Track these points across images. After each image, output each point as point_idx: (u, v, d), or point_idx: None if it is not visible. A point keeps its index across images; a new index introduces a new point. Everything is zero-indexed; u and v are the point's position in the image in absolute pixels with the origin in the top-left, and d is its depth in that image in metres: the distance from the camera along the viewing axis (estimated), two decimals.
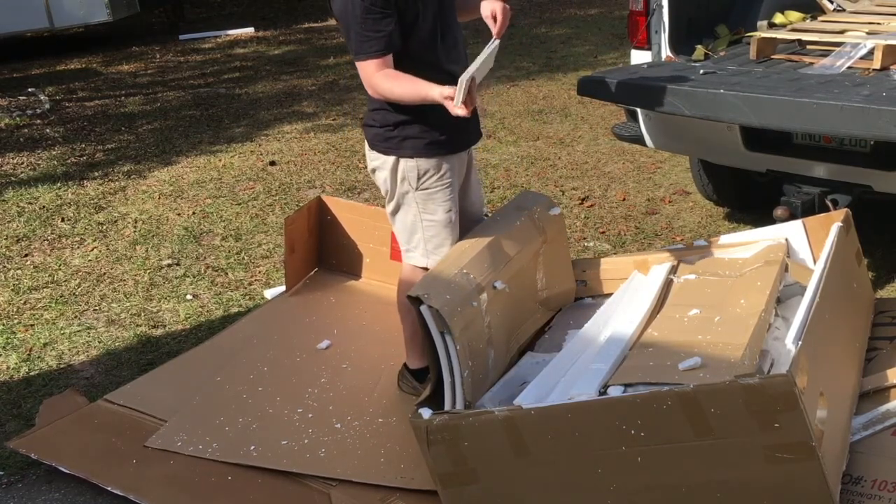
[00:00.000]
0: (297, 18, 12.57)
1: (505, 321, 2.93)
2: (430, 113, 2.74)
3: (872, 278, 3.72)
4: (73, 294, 4.32)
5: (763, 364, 2.46)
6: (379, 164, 2.92)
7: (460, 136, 2.90)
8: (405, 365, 3.17)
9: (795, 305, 2.74)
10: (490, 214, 3.35)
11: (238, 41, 11.21)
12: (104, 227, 5.15)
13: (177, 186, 5.80)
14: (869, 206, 3.75)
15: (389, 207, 2.99)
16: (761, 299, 2.71)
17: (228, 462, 2.85)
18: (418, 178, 2.85)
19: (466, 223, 3.11)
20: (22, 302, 4.27)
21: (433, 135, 2.82)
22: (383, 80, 2.71)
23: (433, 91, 2.63)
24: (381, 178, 2.94)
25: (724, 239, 3.33)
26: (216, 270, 4.49)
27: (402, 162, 2.85)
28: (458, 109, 2.55)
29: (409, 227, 2.96)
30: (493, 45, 2.72)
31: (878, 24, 3.92)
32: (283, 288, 4.00)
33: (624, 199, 5.06)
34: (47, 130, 7.38)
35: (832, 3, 4.36)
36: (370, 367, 3.34)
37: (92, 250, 4.83)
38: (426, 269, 2.95)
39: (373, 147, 2.93)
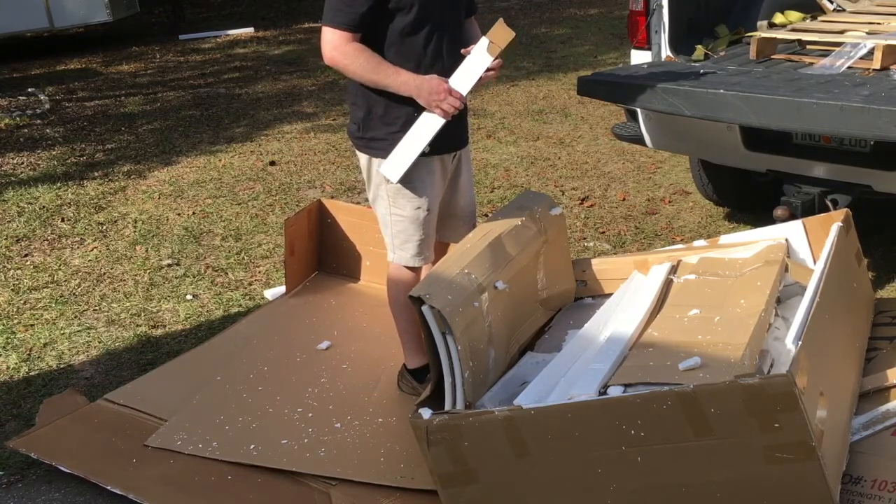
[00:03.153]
0: (297, 18, 12.58)
1: (506, 321, 2.93)
2: (395, 116, 2.81)
3: (872, 278, 3.72)
4: (73, 294, 4.32)
5: (763, 364, 2.46)
6: (359, 157, 3.01)
7: (434, 141, 2.86)
8: (404, 365, 3.18)
9: (795, 305, 2.74)
10: (490, 214, 3.35)
11: (238, 41, 11.22)
12: (104, 227, 5.15)
13: (177, 186, 5.80)
14: (869, 206, 3.75)
15: (370, 200, 3.06)
16: (761, 299, 2.71)
17: (228, 461, 2.85)
18: None
19: (455, 224, 3.15)
20: (22, 302, 4.27)
21: (398, 138, 2.82)
22: (345, 55, 2.73)
23: (410, 78, 2.73)
24: (363, 171, 3.03)
25: (724, 239, 3.33)
26: (216, 270, 4.49)
27: (374, 159, 2.92)
28: (446, 104, 2.70)
29: (382, 221, 3.03)
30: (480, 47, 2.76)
31: (878, 24, 3.92)
32: (283, 288, 4.00)
33: (624, 199, 5.07)
34: (47, 130, 7.38)
35: (832, 3, 4.36)
36: (370, 367, 3.35)
37: (92, 250, 4.83)
38: (408, 266, 3.03)
39: (352, 142, 3.01)
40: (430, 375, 2.74)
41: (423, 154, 2.82)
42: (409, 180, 2.87)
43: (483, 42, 2.74)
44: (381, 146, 2.86)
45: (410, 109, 2.79)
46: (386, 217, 2.99)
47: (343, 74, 2.87)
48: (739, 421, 2.11)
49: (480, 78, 2.76)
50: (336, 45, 2.74)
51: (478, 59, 2.74)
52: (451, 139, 2.94)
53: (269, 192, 5.57)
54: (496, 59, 2.75)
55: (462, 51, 2.79)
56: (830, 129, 3.17)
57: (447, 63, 2.81)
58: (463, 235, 3.05)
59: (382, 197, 2.96)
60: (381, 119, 2.85)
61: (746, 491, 2.18)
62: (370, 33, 2.75)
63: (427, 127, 2.77)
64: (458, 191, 3.12)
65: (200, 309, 4.08)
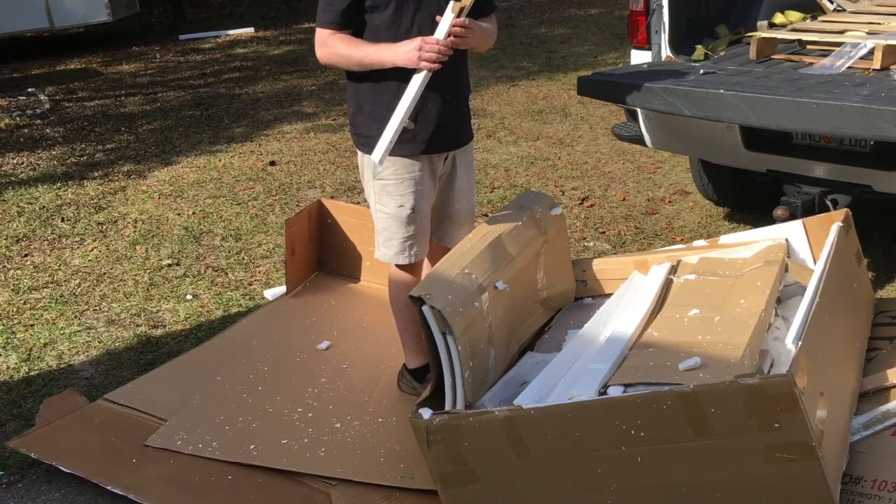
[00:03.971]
0: (297, 18, 12.57)
1: (506, 321, 2.93)
2: (380, 112, 2.82)
3: (872, 278, 3.72)
4: (73, 294, 4.32)
5: (763, 364, 2.46)
6: (357, 153, 3.05)
7: (420, 139, 2.86)
8: (404, 365, 3.18)
9: (795, 305, 2.74)
10: (490, 214, 3.34)
11: (238, 41, 11.22)
12: (104, 227, 5.15)
13: (177, 186, 5.80)
14: (869, 206, 3.75)
15: (366, 196, 3.11)
16: (761, 299, 2.71)
17: (228, 461, 2.85)
18: (374, 168, 2.92)
19: (451, 228, 3.14)
20: (22, 302, 4.27)
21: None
22: (329, 46, 2.82)
23: (387, 47, 2.73)
24: (359, 167, 3.09)
25: (724, 239, 3.33)
26: (216, 270, 4.49)
27: (365, 155, 2.95)
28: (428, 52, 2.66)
29: (373, 217, 3.05)
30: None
31: (878, 24, 3.92)
32: (283, 288, 4.00)
33: (624, 199, 5.07)
34: (47, 130, 7.37)
35: (832, 3, 4.36)
36: (370, 367, 3.35)
37: (92, 250, 4.83)
38: (397, 265, 3.03)
39: (351, 138, 3.05)
40: (430, 375, 2.74)
41: (411, 154, 2.83)
42: (392, 177, 2.90)
43: (450, 4, 2.74)
44: (369, 142, 2.88)
45: (395, 106, 2.79)
46: (373, 213, 3.03)
47: (342, 74, 2.91)
48: (739, 421, 2.11)
49: (451, 36, 2.72)
50: (321, 42, 2.85)
51: (444, 20, 2.73)
52: (440, 139, 2.92)
53: (269, 192, 5.57)
54: (459, 16, 2.71)
55: (437, 18, 2.78)
56: (830, 129, 3.18)
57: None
58: (459, 240, 3.04)
59: (371, 194, 3.01)
60: (370, 115, 2.89)
61: (746, 491, 2.18)
62: (357, 29, 2.82)
63: (408, 95, 2.73)
64: (454, 194, 3.09)
65: (200, 309, 4.08)
